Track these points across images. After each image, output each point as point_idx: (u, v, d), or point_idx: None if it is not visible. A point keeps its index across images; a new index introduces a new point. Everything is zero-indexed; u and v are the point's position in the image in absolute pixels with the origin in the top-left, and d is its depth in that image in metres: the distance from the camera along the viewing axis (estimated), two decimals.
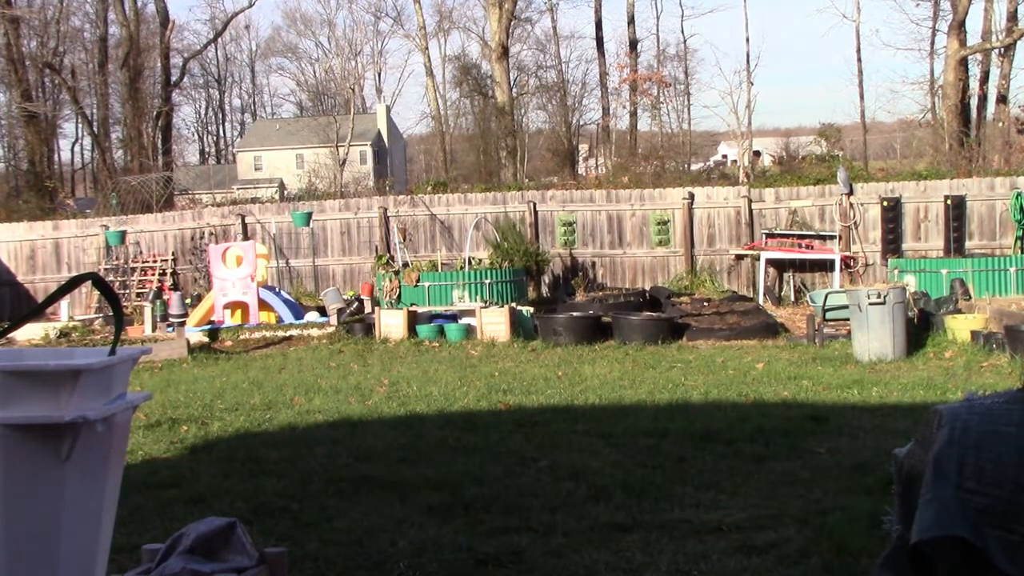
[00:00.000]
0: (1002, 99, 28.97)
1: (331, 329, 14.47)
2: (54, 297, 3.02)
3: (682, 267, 17.54)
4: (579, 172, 39.42)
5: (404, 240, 17.80)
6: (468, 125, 47.98)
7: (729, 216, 17.57)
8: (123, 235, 18.57)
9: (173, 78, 37.79)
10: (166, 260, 19.15)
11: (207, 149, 70.94)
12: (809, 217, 17.32)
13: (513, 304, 14.22)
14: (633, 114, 38.39)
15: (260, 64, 70.66)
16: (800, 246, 16.97)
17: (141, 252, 19.34)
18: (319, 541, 4.48)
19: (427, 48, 41.85)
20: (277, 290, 16.39)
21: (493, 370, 10.56)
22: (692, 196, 17.67)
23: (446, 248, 17.96)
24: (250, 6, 42.74)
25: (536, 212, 17.96)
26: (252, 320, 15.10)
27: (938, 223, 16.69)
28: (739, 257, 17.37)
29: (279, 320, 15.18)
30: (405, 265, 16.41)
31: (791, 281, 17.01)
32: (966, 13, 26.85)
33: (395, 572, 4.05)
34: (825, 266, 16.87)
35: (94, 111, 36.47)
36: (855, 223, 16.98)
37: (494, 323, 13.45)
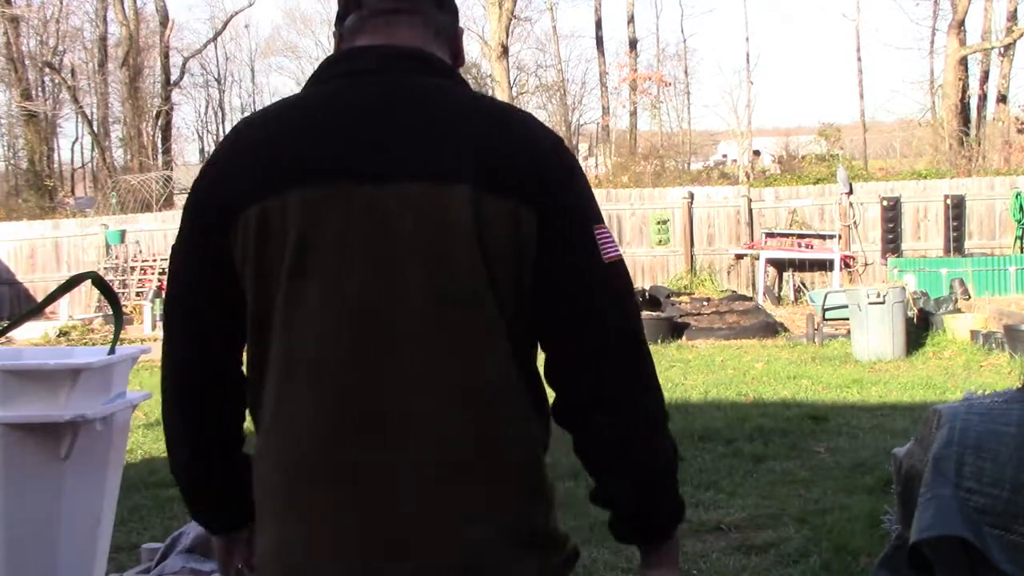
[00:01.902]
0: (1002, 99, 28.98)
1: None
2: (54, 296, 3.02)
3: (682, 266, 17.54)
4: None
5: None
6: None
7: (729, 215, 17.57)
8: (123, 234, 18.58)
9: (173, 77, 37.79)
10: (166, 259, 19.15)
11: (207, 148, 70.90)
12: (809, 216, 17.33)
13: None
14: (633, 113, 38.40)
15: (260, 63, 70.59)
16: (800, 245, 16.97)
17: (141, 251, 19.35)
18: None
19: None
20: None
21: None
22: (692, 195, 17.67)
23: None
24: (250, 5, 42.74)
25: None
26: None
27: (938, 223, 16.68)
28: (739, 256, 17.38)
29: None
30: None
31: (791, 280, 17.01)
32: (966, 13, 26.85)
33: None
34: (825, 265, 16.88)
35: (94, 110, 36.45)
36: (855, 223, 16.98)
37: None
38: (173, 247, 1.54)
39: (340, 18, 1.58)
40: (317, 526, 1.38)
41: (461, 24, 1.57)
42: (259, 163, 1.43)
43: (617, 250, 1.47)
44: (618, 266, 1.45)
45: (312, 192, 1.38)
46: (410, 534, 1.36)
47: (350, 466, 1.37)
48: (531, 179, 1.40)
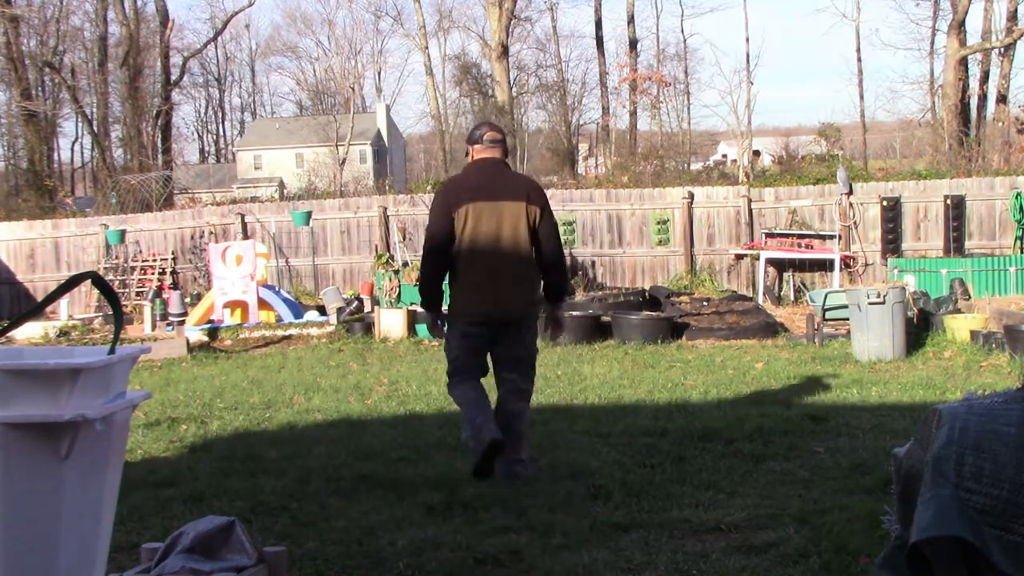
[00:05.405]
0: (1002, 99, 29.00)
1: (331, 328, 14.47)
2: (53, 296, 3.02)
3: (682, 266, 17.54)
4: (579, 171, 39.44)
5: (404, 239, 17.81)
6: (468, 124, 47.96)
7: (729, 215, 17.58)
8: (123, 234, 18.58)
9: (173, 77, 37.79)
10: (165, 259, 19.15)
11: (207, 148, 70.94)
12: (809, 217, 17.33)
13: None
14: (633, 113, 38.43)
15: (260, 63, 70.61)
16: (800, 246, 16.97)
17: (140, 251, 19.35)
18: (318, 540, 4.48)
19: (427, 47, 41.89)
20: (277, 289, 16.38)
21: None
22: (692, 195, 17.67)
23: None
24: (250, 5, 42.73)
25: None
26: (252, 319, 15.10)
27: (938, 223, 16.69)
28: (739, 257, 17.38)
29: (279, 319, 15.18)
30: (405, 264, 16.40)
31: (791, 281, 17.02)
32: (966, 13, 26.86)
33: (394, 571, 4.04)
34: (825, 266, 16.88)
35: (94, 110, 36.44)
36: (855, 223, 16.99)
37: None
38: (430, 217, 5.77)
39: (469, 142, 5.92)
40: (482, 297, 5.61)
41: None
42: (463, 190, 5.67)
43: (555, 219, 5.90)
44: (556, 226, 5.88)
45: (478, 203, 5.60)
46: (505, 301, 5.63)
47: (491, 281, 5.60)
48: (538, 198, 5.76)
